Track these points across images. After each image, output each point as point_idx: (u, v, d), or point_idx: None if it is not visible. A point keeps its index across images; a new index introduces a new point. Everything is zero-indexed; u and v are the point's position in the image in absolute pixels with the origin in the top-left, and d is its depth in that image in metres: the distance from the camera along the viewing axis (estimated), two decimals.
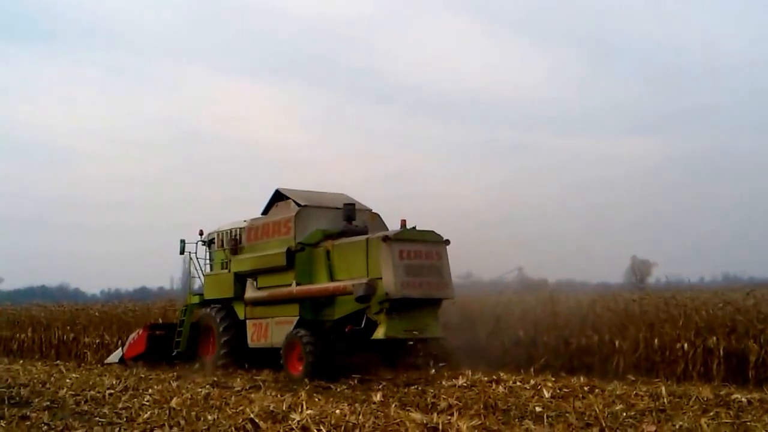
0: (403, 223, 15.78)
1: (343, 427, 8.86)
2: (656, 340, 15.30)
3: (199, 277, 19.66)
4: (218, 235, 19.03)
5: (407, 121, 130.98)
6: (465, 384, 12.59)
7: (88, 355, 21.54)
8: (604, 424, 8.98)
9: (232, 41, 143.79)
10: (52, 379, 15.54)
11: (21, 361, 21.60)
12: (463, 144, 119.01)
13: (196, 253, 19.56)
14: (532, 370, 14.81)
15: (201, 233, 19.61)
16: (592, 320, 16.45)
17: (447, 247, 15.29)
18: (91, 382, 14.57)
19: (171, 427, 9.31)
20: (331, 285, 15.45)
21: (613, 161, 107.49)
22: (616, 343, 15.64)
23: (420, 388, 12.41)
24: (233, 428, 9.08)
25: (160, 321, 21.72)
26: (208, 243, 19.54)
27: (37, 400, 12.42)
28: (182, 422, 9.63)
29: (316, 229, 16.34)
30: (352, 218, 16.48)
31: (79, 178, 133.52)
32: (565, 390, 11.89)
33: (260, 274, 17.08)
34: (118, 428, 9.37)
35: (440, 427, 8.67)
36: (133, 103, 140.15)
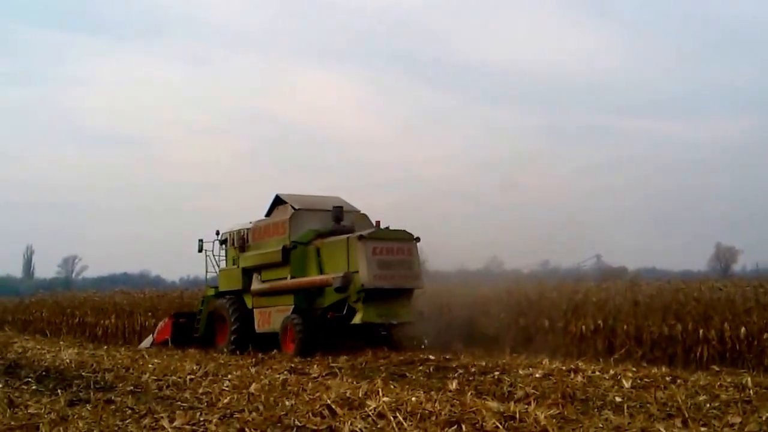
0: (378, 224, 18.28)
1: (419, 415, 8.79)
2: (742, 330, 14.91)
3: (215, 272, 22.24)
4: (230, 234, 21.43)
5: (486, 108, 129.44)
6: (542, 373, 12.39)
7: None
8: (686, 415, 8.72)
9: (305, 30, 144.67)
10: (136, 364, 15.86)
11: (105, 347, 22.20)
12: (539, 130, 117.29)
13: (212, 250, 22.14)
14: (611, 359, 14.54)
15: (217, 233, 21.97)
16: (675, 309, 16.09)
17: (418, 243, 17.47)
18: (172, 368, 14.83)
19: (250, 412, 9.39)
20: (317, 278, 17.86)
21: (695, 145, 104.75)
22: (700, 332, 15.27)
23: (496, 377, 12.25)
24: (310, 414, 9.11)
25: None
26: (222, 242, 21.99)
27: (121, 384, 12.67)
28: (261, 407, 9.71)
29: (308, 229, 18.63)
30: (340, 219, 18.61)
31: (159, 168, 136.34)
32: (646, 380, 11.59)
33: (263, 269, 19.55)
34: (199, 413, 9.47)
35: (517, 416, 8.50)
36: (211, 92, 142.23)
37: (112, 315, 29.76)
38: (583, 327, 16.84)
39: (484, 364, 13.84)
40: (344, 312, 17.16)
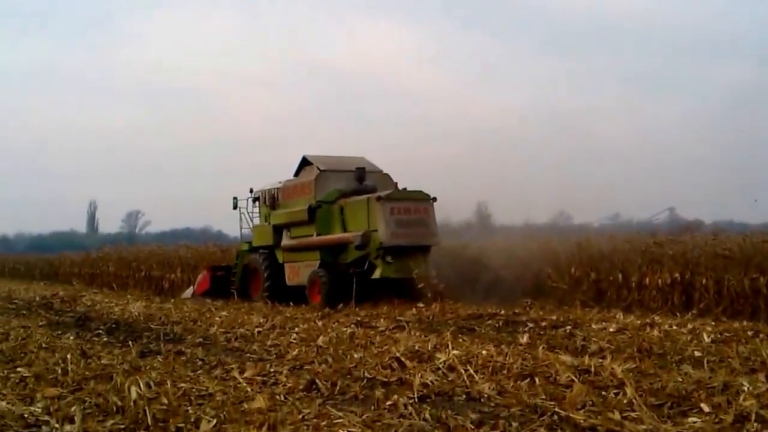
0: (396, 185, 19.57)
1: (490, 368, 8.59)
2: None
3: (249, 228, 23.42)
4: (262, 193, 22.53)
5: (554, 58, 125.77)
6: (616, 328, 12.03)
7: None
8: None
9: None
10: (203, 317, 15.98)
11: (172, 300, 22.49)
12: (627, 78, 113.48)
13: (246, 208, 23.43)
14: (689, 314, 14.09)
15: (251, 191, 23.07)
16: (758, 261, 15.49)
17: (434, 203, 18.43)
18: (239, 321, 14.89)
19: (320, 364, 9.32)
20: (340, 236, 19.01)
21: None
22: None
23: (568, 331, 11.94)
24: (380, 366, 8.99)
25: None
26: (254, 200, 23.20)
27: (189, 337, 12.76)
28: (330, 359, 9.63)
29: (333, 189, 19.66)
30: (363, 179, 19.67)
31: (220, 123, 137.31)
32: (727, 334, 11.17)
33: (291, 226, 20.72)
34: (269, 364, 9.45)
35: (592, 369, 8.24)
36: (269, 45, 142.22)
37: (177, 269, 30.26)
38: (659, 281, 16.42)
39: (554, 318, 13.52)
40: (365, 267, 18.21)
